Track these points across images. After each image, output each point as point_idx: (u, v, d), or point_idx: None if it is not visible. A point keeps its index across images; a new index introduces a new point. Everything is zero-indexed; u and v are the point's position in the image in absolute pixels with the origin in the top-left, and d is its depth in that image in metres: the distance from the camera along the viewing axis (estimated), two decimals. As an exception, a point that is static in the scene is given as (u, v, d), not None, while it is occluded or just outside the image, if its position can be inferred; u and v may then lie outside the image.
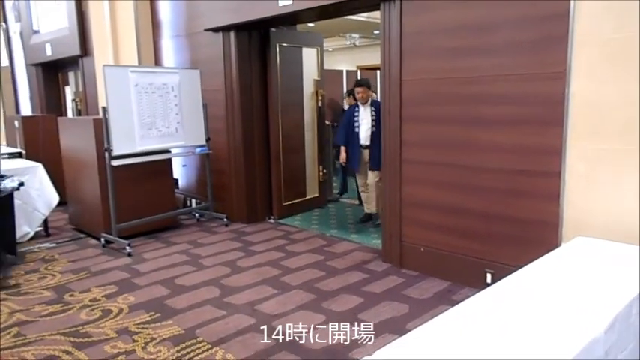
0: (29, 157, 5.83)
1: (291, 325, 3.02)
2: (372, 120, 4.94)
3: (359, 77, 11.26)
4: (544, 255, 2.39)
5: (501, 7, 3.15)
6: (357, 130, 5.01)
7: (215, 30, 5.28)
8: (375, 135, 4.78)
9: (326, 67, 6.60)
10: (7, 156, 5.74)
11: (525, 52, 3.08)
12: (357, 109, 5.06)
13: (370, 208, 5.24)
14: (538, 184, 3.09)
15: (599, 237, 2.60)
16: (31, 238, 5.01)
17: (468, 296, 1.99)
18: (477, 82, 3.33)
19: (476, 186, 3.41)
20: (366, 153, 5.02)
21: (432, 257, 3.74)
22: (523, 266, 2.25)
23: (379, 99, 5.07)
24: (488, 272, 3.38)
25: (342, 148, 5.17)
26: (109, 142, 4.49)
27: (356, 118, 5.02)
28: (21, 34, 8.77)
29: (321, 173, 6.08)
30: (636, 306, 1.91)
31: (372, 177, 5.05)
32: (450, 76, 3.48)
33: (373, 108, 4.98)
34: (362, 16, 8.52)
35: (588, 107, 2.82)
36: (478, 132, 3.36)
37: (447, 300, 3.31)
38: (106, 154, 4.50)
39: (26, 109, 9.22)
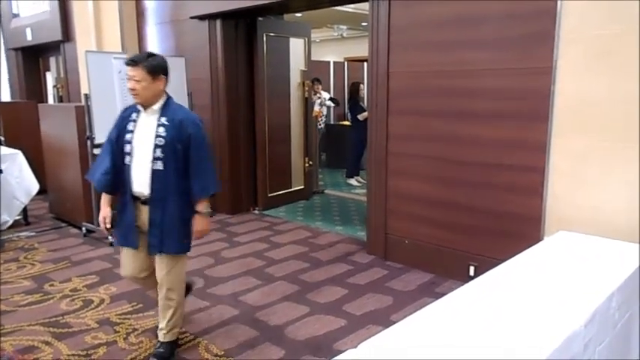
0: (9, 144, 5.68)
1: (275, 316, 3.02)
2: (160, 141, 2.39)
3: (348, 69, 11.23)
4: (527, 249, 2.42)
5: (489, 2, 3.16)
6: (127, 159, 2.46)
7: (201, 18, 5.19)
8: (169, 175, 2.42)
9: (314, 58, 6.57)
10: (-15, 143, 5.61)
11: (512, 47, 3.09)
12: (134, 114, 2.50)
13: (163, 334, 2.57)
14: (522, 178, 3.12)
15: (581, 232, 2.64)
16: (10, 227, 4.89)
17: (452, 289, 2.00)
18: (463, 75, 3.34)
19: (461, 179, 3.43)
20: (145, 213, 2.47)
21: (416, 250, 3.76)
22: (506, 260, 2.27)
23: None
24: (472, 265, 3.41)
25: (103, 199, 2.58)
26: (90, 130, 4.40)
27: (129, 135, 2.46)
28: (0, 17, 8.54)
29: (306, 165, 6.06)
30: (615, 300, 1.94)
31: (159, 268, 2.52)
32: (437, 69, 3.48)
33: (168, 118, 2.42)
34: (350, 8, 8.47)
35: (574, 103, 2.85)
36: (464, 125, 3.37)
37: (430, 292, 3.34)
38: (88, 142, 4.42)
39: (5, 95, 8.99)
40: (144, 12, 6.08)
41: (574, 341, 1.63)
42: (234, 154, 5.38)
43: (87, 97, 4.39)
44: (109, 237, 4.15)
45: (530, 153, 3.06)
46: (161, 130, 2.41)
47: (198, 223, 2.52)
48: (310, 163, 6.10)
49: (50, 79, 8.60)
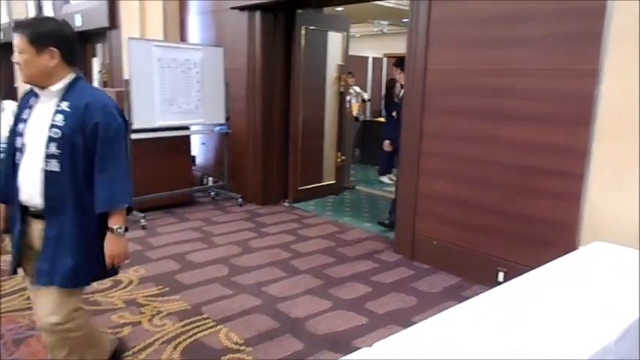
0: (53, 126, 5.91)
1: (297, 309, 3.02)
2: (56, 133, 1.84)
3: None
4: (560, 257, 2.32)
5: (535, -1, 3.04)
6: (18, 156, 1.92)
7: (241, 9, 5.23)
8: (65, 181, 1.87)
9: (352, 53, 6.52)
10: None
11: (557, 47, 2.96)
12: (32, 99, 1.96)
13: None
14: (559, 184, 3.00)
15: (619, 243, 2.51)
16: (50, 205, 5.09)
17: (478, 294, 1.95)
18: (504, 74, 3.23)
19: (495, 182, 3.33)
20: (38, 229, 1.92)
21: (445, 251, 3.69)
22: (537, 267, 2.18)
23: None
24: (501, 271, 3.31)
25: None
26: (129, 115, 4.51)
27: (21, 125, 1.93)
28: (53, 2, 8.87)
29: (338, 160, 6.04)
30: (651, 317, 1.84)
31: (42, 305, 1.91)
32: (476, 68, 3.38)
33: (70, 103, 1.87)
34: (391, 3, 8.37)
35: (619, 107, 2.71)
36: (501, 126, 3.27)
37: (456, 296, 3.26)
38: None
39: (54, 78, 9.34)
40: (186, 1, 6.19)
41: (603, 357, 1.56)
42: (268, 145, 5.41)
43: (127, 82, 4.50)
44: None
45: (569, 158, 2.94)
46: (59, 118, 1.83)
47: (109, 245, 1.90)
48: (342, 158, 6.07)
49: (96, 64, 8.88)
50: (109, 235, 1.90)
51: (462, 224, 3.56)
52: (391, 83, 6.88)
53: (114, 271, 2.05)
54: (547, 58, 3.01)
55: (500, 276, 3.30)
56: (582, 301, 1.85)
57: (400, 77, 4.56)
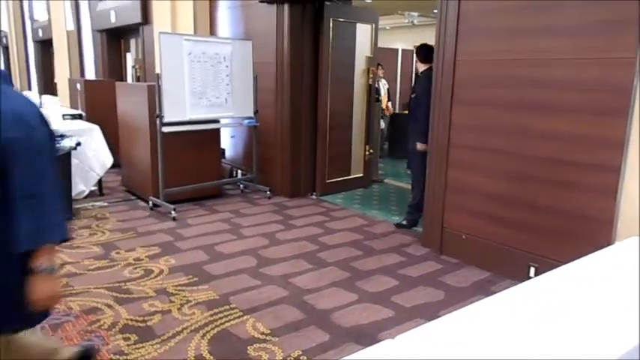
0: (88, 119, 6.10)
1: (323, 301, 3.03)
2: None
3: (415, 56, 10.95)
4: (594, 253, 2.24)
5: (571, -15, 2.93)
6: None
7: (270, 2, 5.24)
8: None
9: (382, 45, 6.46)
10: (69, 117, 6.04)
11: (592, 35, 2.85)
12: None
13: None
14: (594, 177, 2.90)
15: (657, 239, 2.41)
16: (86, 197, 5.28)
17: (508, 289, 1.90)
18: (536, 64, 3.13)
19: (526, 175, 3.24)
20: None
21: (474, 246, 3.62)
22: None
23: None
24: (532, 266, 3.23)
25: None
26: (160, 109, 4.60)
27: None
28: (89, 2, 9.11)
29: (367, 153, 6.00)
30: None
31: None
32: (507, 58, 3.29)
33: None
34: (422, -7, 8.23)
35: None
36: (533, 118, 3.17)
37: (485, 290, 3.21)
38: (158, 121, 4.63)
39: (90, 73, 9.63)
40: (216, -4, 6.25)
41: (635, 357, 1.50)
42: (296, 138, 5.42)
43: (158, 76, 4.58)
44: None
45: (605, 150, 2.83)
46: None
47: (35, 288, 1.55)
48: (371, 151, 6.03)
49: (130, 59, 9.10)
50: (34, 276, 1.54)
51: (493, 218, 3.49)
52: None
53: (43, 315, 1.72)
54: (580, 46, 2.90)
55: (532, 271, 3.22)
56: (615, 298, 1.78)
57: (418, 66, 4.51)
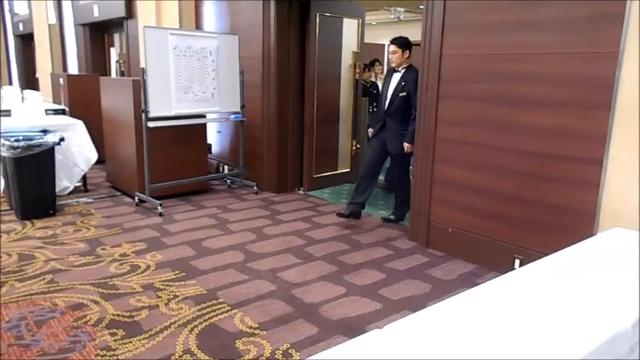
0: (72, 115, 6.01)
1: (311, 294, 3.04)
2: None
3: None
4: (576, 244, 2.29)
5: (554, -19, 2.96)
6: None
7: (256, -4, 5.22)
8: None
9: (369, 40, 6.46)
10: (52, 112, 5.95)
11: (576, 30, 2.89)
12: None
13: None
14: (577, 170, 2.95)
15: (637, 229, 2.47)
16: (70, 193, 5.21)
17: (491, 280, 1.93)
18: (521, 59, 3.17)
19: (511, 168, 3.29)
20: None
21: (460, 239, 3.66)
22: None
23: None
24: (517, 258, 3.28)
25: None
26: (145, 104, 4.56)
27: None
28: (71, -6, 8.96)
29: (354, 147, 6.02)
30: (670, 304, 1.80)
31: None
32: (492, 53, 3.32)
33: None
34: (408, -11, 8.24)
35: (639, 92, 2.64)
36: (518, 112, 3.21)
37: (470, 283, 3.25)
38: (143, 116, 4.58)
39: (73, 68, 9.48)
40: (202, -10, 6.20)
41: (619, 342, 1.54)
42: (282, 133, 5.42)
43: (143, 71, 4.53)
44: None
45: (587, 143, 2.88)
46: None
47: None
48: (358, 146, 6.05)
49: (114, 54, 8.97)
50: None
51: (478, 211, 3.53)
52: None
53: None
54: (565, 41, 2.94)
55: (517, 263, 3.27)
56: (598, 287, 1.82)
57: (399, 60, 4.24)
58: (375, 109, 6.23)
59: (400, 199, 4.50)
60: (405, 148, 4.23)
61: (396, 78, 4.29)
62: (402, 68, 4.26)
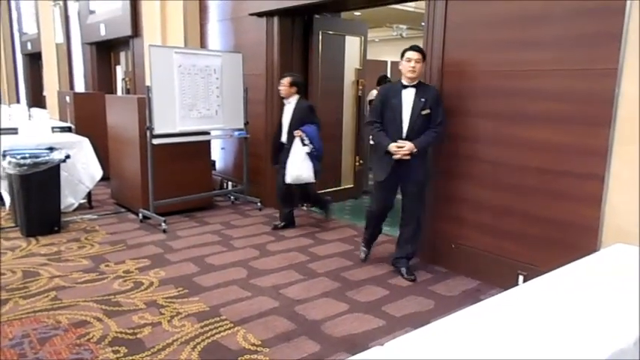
0: (78, 132, 6.08)
1: (314, 311, 3.03)
2: None
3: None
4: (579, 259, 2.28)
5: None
6: None
7: (259, 15, 5.30)
8: None
9: (371, 57, 6.54)
10: (58, 129, 6.02)
11: (576, 47, 2.92)
12: None
13: None
14: (579, 186, 2.95)
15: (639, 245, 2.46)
16: (75, 209, 5.24)
17: (494, 296, 1.93)
18: (521, 76, 3.20)
19: (514, 184, 3.29)
20: None
21: (463, 255, 3.65)
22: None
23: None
24: (521, 274, 3.27)
25: None
26: (150, 121, 4.61)
27: None
28: (78, 13, 9.13)
29: (357, 163, 6.04)
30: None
31: None
32: (493, 69, 3.35)
33: None
34: (410, 7, 8.36)
35: (638, 107, 2.65)
36: (519, 128, 3.23)
37: (474, 299, 3.22)
38: (148, 132, 4.63)
39: (80, 86, 9.61)
40: (206, 9, 6.30)
41: (622, 357, 1.53)
42: (286, 149, 5.43)
43: (148, 89, 4.59)
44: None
45: (589, 159, 2.89)
46: None
47: None
48: (361, 162, 6.07)
49: (120, 72, 9.10)
50: None
51: (482, 227, 3.53)
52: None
53: None
54: (565, 58, 2.97)
55: (521, 279, 3.25)
56: (601, 303, 1.82)
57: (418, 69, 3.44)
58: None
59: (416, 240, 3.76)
60: (408, 148, 3.42)
61: (409, 95, 3.46)
62: (415, 83, 3.49)
